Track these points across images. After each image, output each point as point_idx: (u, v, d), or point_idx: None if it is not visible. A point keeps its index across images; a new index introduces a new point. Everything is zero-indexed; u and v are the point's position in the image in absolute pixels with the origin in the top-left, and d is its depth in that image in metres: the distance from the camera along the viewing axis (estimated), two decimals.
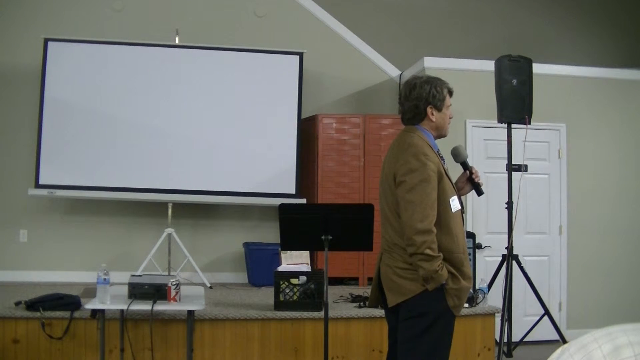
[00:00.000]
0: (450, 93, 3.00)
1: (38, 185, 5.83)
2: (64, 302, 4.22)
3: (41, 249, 6.18)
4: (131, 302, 3.60)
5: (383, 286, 2.94)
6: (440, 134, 3.00)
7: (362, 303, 4.66)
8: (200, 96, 6.09)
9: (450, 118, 3.01)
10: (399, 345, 2.88)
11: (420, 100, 2.93)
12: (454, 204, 2.86)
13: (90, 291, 4.48)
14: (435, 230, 2.74)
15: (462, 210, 2.96)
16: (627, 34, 7.79)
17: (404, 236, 2.78)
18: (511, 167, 4.95)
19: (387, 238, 2.93)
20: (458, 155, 3.17)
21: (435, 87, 2.93)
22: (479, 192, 3.18)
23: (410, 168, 2.78)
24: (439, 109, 2.94)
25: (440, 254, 2.75)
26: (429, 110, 2.93)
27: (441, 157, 2.93)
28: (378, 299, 3.03)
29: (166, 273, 5.68)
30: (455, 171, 3.07)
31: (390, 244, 2.90)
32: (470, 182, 3.14)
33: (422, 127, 2.95)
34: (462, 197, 3.09)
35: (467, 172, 3.14)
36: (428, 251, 2.71)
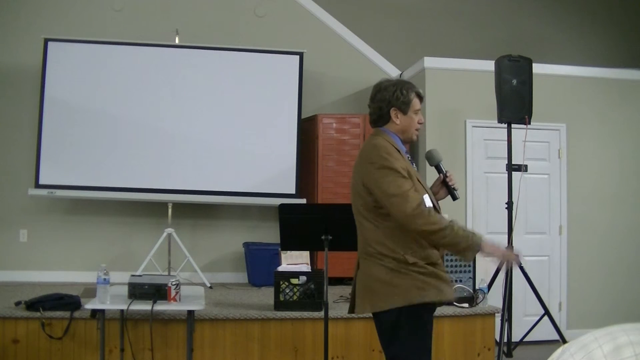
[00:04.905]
0: (420, 97, 2.91)
1: (38, 185, 5.83)
2: (64, 302, 4.22)
3: (41, 249, 6.18)
4: (131, 302, 3.59)
5: (355, 292, 2.90)
6: (407, 137, 2.91)
7: None
8: (200, 96, 6.09)
9: (420, 123, 2.92)
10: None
11: (383, 102, 2.87)
12: (426, 202, 2.77)
13: (90, 291, 4.48)
14: (426, 204, 2.68)
15: (437, 210, 2.84)
16: (627, 34, 7.79)
17: (387, 239, 2.73)
18: (511, 167, 4.95)
19: (360, 244, 2.88)
20: (431, 158, 3.08)
21: (400, 90, 2.85)
22: (454, 197, 3.05)
23: (377, 167, 2.72)
24: (404, 112, 2.86)
25: (444, 222, 2.66)
26: (392, 112, 2.86)
27: (410, 160, 2.87)
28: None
29: (166, 273, 5.68)
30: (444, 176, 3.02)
31: (363, 249, 2.84)
32: (445, 186, 3.03)
33: (388, 129, 2.89)
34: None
35: (441, 175, 3.04)
36: (431, 227, 2.64)
